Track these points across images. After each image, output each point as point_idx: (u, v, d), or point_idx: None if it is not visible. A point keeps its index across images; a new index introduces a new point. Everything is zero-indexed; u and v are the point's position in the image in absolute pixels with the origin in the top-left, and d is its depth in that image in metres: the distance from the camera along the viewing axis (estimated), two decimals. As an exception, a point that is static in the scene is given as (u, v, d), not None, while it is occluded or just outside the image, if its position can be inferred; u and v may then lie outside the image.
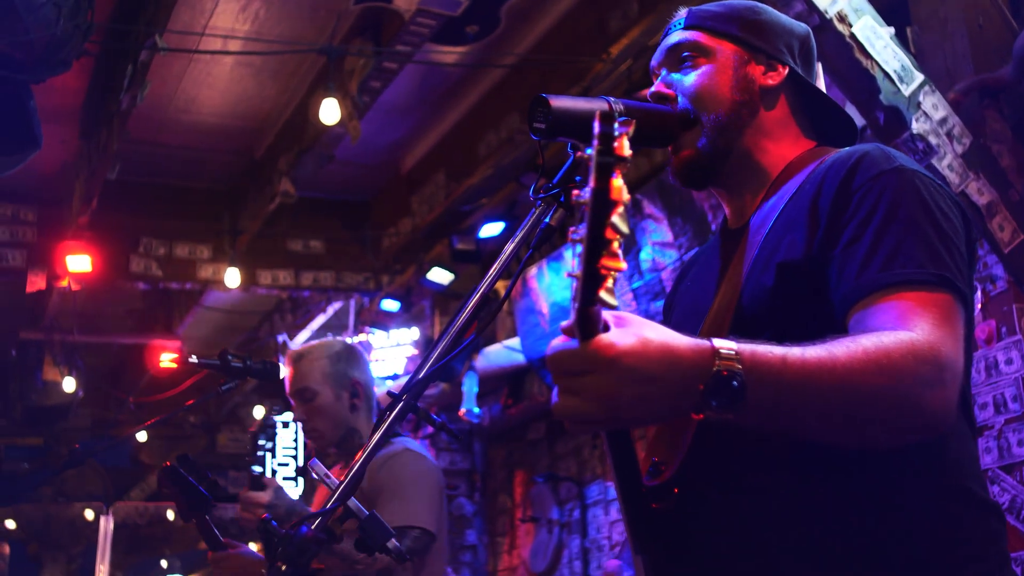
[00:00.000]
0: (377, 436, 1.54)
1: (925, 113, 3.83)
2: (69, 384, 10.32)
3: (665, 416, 1.24)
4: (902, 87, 3.82)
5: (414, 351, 8.89)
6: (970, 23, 4.05)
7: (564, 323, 1.12)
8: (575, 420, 1.16)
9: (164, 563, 15.98)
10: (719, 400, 1.17)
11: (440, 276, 8.32)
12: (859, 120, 3.90)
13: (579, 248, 1.05)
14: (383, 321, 9.14)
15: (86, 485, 13.55)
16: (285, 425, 10.23)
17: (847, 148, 1.54)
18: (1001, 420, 4.20)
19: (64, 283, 8.12)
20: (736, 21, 1.66)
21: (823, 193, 1.47)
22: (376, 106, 6.90)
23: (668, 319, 1.81)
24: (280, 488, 2.70)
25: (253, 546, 2.79)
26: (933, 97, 3.85)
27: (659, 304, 6.46)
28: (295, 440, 10.43)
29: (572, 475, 8.29)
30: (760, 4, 1.71)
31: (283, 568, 1.54)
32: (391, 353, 8.94)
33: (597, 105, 1.52)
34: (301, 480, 10.30)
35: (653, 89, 1.67)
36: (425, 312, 9.19)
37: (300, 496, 9.07)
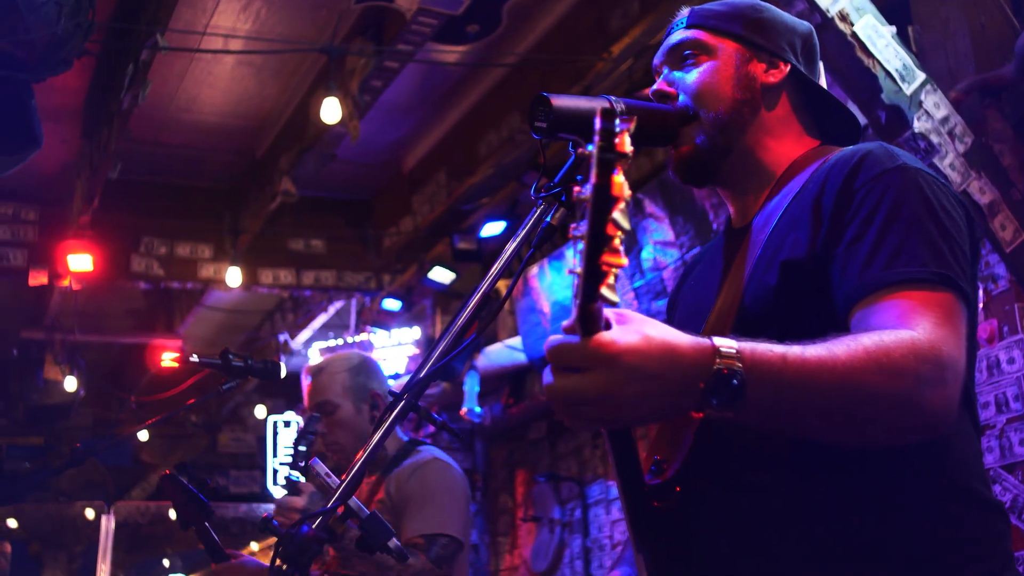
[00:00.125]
0: (378, 435, 1.54)
1: (927, 112, 3.82)
2: (70, 383, 10.32)
3: (666, 414, 1.24)
4: (904, 86, 3.81)
5: (415, 350, 8.88)
6: (972, 22, 4.04)
7: (565, 322, 1.12)
8: (574, 416, 1.15)
9: (166, 562, 15.96)
10: (719, 398, 1.17)
11: (441, 275, 8.32)
12: (861, 119, 3.89)
13: (580, 245, 1.05)
14: (384, 320, 9.14)
15: (87, 484, 13.54)
16: (287, 424, 10.22)
17: (850, 147, 1.54)
18: (1003, 419, 4.20)
19: (65, 282, 8.11)
20: (738, 19, 1.66)
21: (826, 192, 1.47)
22: (377, 105, 6.90)
23: (671, 318, 1.81)
24: (315, 493, 2.73)
25: (255, 546, 2.79)
26: (935, 96, 3.84)
27: (660, 303, 6.47)
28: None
29: (573, 474, 8.27)
30: (762, 2, 1.70)
31: (283, 568, 1.54)
32: (392, 352, 8.94)
33: (598, 104, 1.51)
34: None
35: (655, 87, 1.67)
36: (426, 311, 9.19)
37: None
